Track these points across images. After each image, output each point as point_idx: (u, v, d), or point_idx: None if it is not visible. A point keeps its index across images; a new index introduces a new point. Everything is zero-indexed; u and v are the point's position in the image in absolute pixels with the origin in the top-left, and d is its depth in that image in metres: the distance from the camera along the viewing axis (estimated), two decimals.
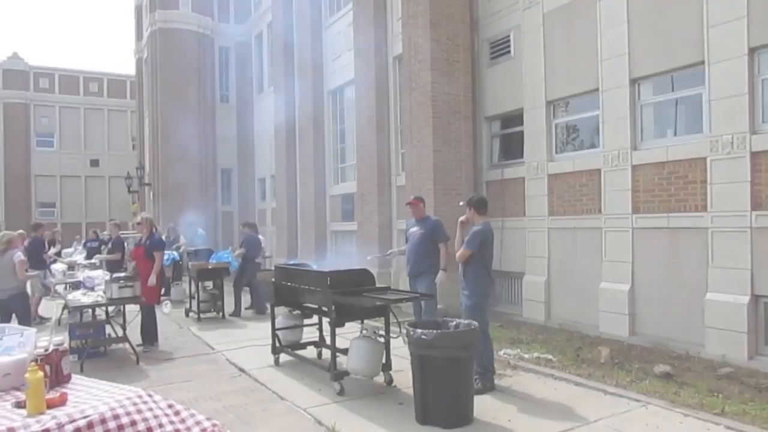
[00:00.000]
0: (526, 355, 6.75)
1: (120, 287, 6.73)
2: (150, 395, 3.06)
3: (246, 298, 11.08)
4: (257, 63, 21.64)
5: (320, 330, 6.83)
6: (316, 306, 6.34)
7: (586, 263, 8.44)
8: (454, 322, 4.79)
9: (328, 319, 5.91)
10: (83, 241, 19.75)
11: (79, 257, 13.94)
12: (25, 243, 10.97)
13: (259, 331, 8.85)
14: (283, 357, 6.69)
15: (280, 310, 6.89)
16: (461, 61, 10.37)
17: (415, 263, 6.73)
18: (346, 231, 14.21)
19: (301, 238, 16.26)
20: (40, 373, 2.78)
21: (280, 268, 6.79)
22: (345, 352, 5.55)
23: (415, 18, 10.41)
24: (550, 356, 6.67)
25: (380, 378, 5.66)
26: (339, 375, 5.31)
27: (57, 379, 3.20)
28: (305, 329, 7.11)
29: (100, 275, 7.89)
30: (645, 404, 4.88)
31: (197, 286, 10.14)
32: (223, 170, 22.80)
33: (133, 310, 7.71)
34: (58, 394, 2.86)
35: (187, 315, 10.51)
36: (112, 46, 77.61)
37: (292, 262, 9.58)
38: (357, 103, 12.92)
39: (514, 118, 10.01)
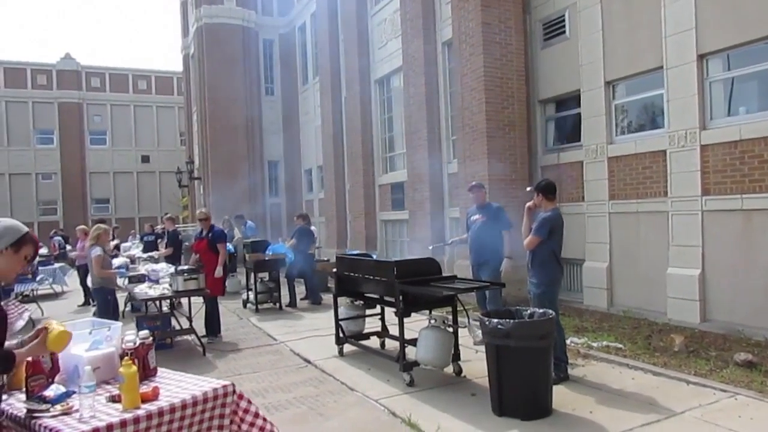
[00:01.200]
0: (595, 344, 6.56)
1: (185, 280, 6.85)
2: (241, 394, 3.10)
3: (300, 289, 11.19)
4: (301, 55, 21.72)
5: (382, 320, 6.80)
6: (378, 296, 6.32)
7: (652, 248, 8.14)
8: (528, 311, 4.67)
9: (392, 309, 5.88)
10: (139, 235, 20.37)
11: (137, 251, 14.35)
12: None
13: (318, 322, 8.92)
14: (347, 347, 6.69)
15: (342, 301, 6.88)
16: (514, 44, 10.12)
17: (478, 251, 6.62)
18: (396, 220, 14.16)
19: (350, 228, 16.31)
20: (134, 368, 2.81)
21: (343, 259, 6.78)
22: (412, 342, 5.50)
23: (465, 1, 10.20)
24: (620, 344, 6.47)
25: (448, 369, 5.59)
26: (408, 366, 5.26)
27: (144, 372, 3.24)
28: (366, 319, 7.09)
29: (164, 268, 8.06)
30: (733, 395, 4.65)
31: (254, 278, 10.27)
32: (270, 162, 23.08)
33: (195, 303, 7.85)
34: (151, 388, 2.89)
35: (244, 306, 10.69)
36: (158, 43, 79.53)
37: (354, 253, 9.55)
38: (405, 91, 12.79)
39: (570, 101, 9.72)
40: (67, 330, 2.72)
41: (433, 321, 5.30)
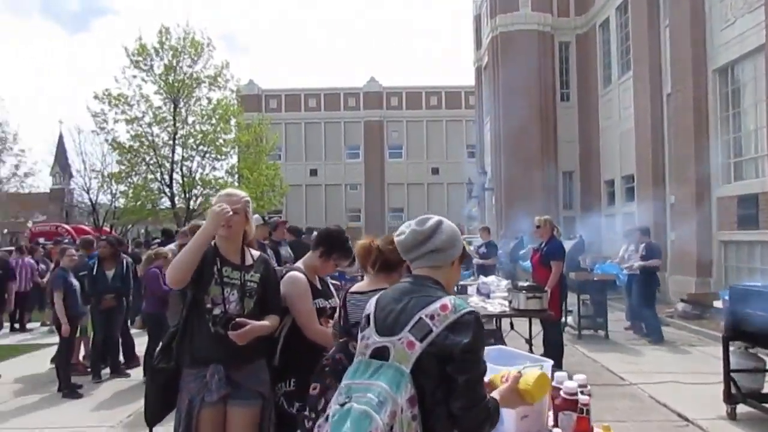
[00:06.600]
0: None
1: (528, 298, 5.99)
2: None
3: (617, 315, 9.55)
4: (602, 54, 19.78)
5: None
6: None
7: None
8: None
9: None
10: None
11: None
12: None
13: (664, 361, 7.38)
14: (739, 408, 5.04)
15: (735, 346, 5.23)
16: None
17: None
18: (744, 241, 11.40)
19: (670, 247, 13.87)
20: None
21: (745, 290, 5.14)
22: None
23: None
24: None
25: None
26: None
27: None
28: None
29: (494, 281, 7.37)
30: None
31: (577, 299, 9.04)
32: (564, 173, 21.62)
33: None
34: None
35: (562, 330, 9.51)
36: (448, 60, 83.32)
37: (755, 285, 7.46)
38: None
39: None
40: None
41: None
